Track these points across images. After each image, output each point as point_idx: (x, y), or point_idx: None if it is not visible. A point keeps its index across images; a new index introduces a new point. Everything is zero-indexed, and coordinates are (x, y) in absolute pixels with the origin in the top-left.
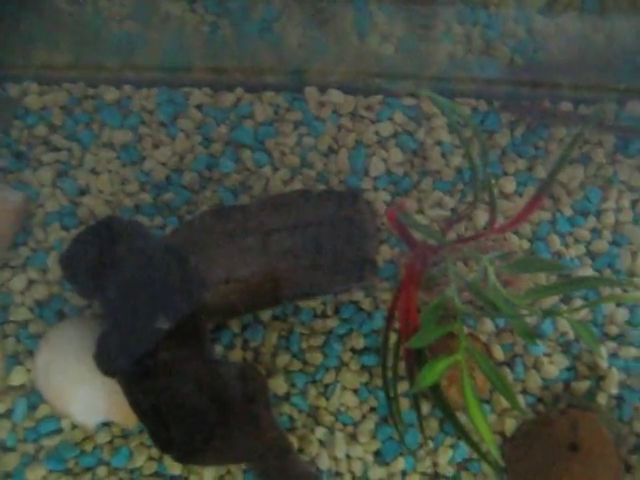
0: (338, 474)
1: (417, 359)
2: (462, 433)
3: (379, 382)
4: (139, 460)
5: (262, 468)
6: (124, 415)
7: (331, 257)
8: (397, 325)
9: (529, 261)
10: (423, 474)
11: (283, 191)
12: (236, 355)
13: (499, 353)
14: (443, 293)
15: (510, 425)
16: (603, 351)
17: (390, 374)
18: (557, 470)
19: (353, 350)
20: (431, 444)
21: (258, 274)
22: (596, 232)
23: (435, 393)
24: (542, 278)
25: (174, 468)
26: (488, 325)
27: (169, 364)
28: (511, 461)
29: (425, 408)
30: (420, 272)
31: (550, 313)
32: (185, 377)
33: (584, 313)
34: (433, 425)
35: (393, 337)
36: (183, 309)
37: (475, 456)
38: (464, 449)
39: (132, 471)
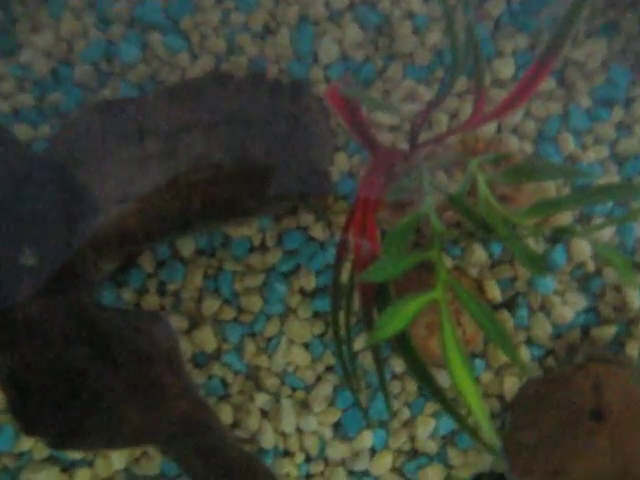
0: (287, 453)
1: (378, 300)
2: (442, 399)
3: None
4: (28, 441)
5: (177, 451)
6: None
7: (266, 165)
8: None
9: (533, 166)
10: (398, 451)
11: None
12: (151, 302)
13: (495, 292)
14: (415, 211)
15: (511, 386)
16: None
17: (344, 321)
18: (575, 440)
19: (302, 292)
20: (407, 412)
21: (164, 189)
22: (623, 128)
23: (402, 345)
24: (551, 190)
25: (74, 451)
26: (480, 255)
27: (37, 315)
28: (513, 434)
29: (399, 365)
30: (383, 183)
31: (562, 233)
32: (57, 332)
33: (608, 234)
34: (410, 388)
35: (348, 272)
36: (58, 240)
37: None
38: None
39: (20, 455)
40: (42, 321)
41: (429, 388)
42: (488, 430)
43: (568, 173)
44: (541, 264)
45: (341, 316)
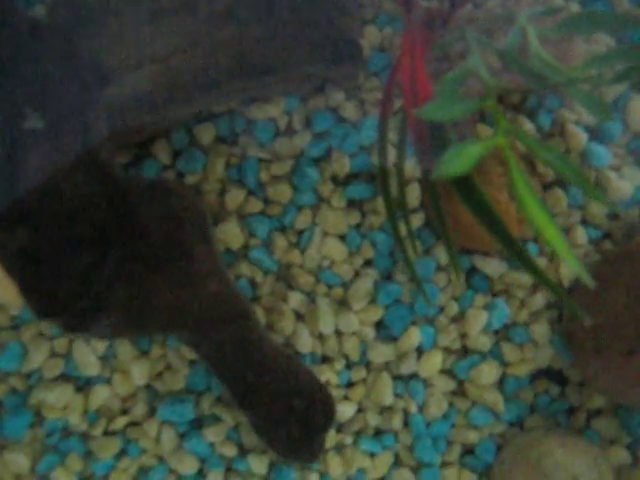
0: (326, 358)
1: (434, 145)
2: (511, 246)
3: (376, 221)
4: (37, 358)
5: (209, 345)
6: (5, 290)
7: (293, 23)
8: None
9: (586, 17)
10: (447, 350)
11: None
12: None
13: (544, 168)
14: (464, 64)
15: (567, 271)
16: None
17: (395, 197)
18: None
19: (335, 179)
20: (456, 307)
21: (184, 49)
22: None
23: (466, 189)
24: (606, 44)
25: (90, 367)
26: (528, 129)
27: (52, 182)
28: (574, 321)
29: (444, 256)
30: (426, 36)
31: (628, 76)
32: (75, 198)
33: None
34: (454, 278)
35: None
36: (71, 104)
37: (519, 319)
38: (503, 310)
39: (28, 375)
40: (57, 188)
41: (496, 233)
42: (574, 263)
43: (626, 22)
44: (607, 108)
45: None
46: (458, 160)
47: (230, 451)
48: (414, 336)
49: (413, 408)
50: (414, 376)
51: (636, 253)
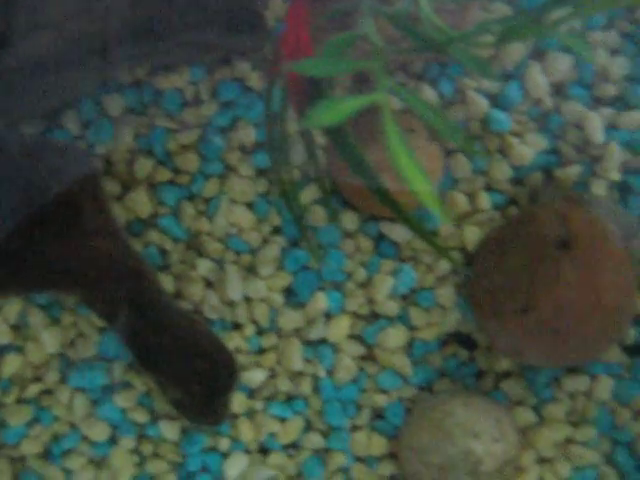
0: (236, 325)
1: (312, 98)
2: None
3: (282, 189)
4: None
5: (105, 303)
6: None
7: None
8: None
9: None
10: (355, 315)
11: None
12: None
13: None
14: (354, 29)
15: (472, 235)
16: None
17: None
18: (542, 275)
19: (242, 148)
20: (363, 273)
21: (78, 13)
22: None
23: (342, 143)
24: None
25: (1, 335)
26: (429, 95)
27: None
28: (477, 283)
29: (351, 222)
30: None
31: (511, 35)
32: None
33: (564, 68)
34: (365, 246)
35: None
36: None
37: (426, 283)
38: (410, 275)
39: None
40: None
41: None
42: (439, 212)
43: None
44: (489, 67)
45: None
46: (330, 112)
47: (142, 417)
48: (321, 301)
49: (322, 373)
50: (323, 341)
51: (534, 215)
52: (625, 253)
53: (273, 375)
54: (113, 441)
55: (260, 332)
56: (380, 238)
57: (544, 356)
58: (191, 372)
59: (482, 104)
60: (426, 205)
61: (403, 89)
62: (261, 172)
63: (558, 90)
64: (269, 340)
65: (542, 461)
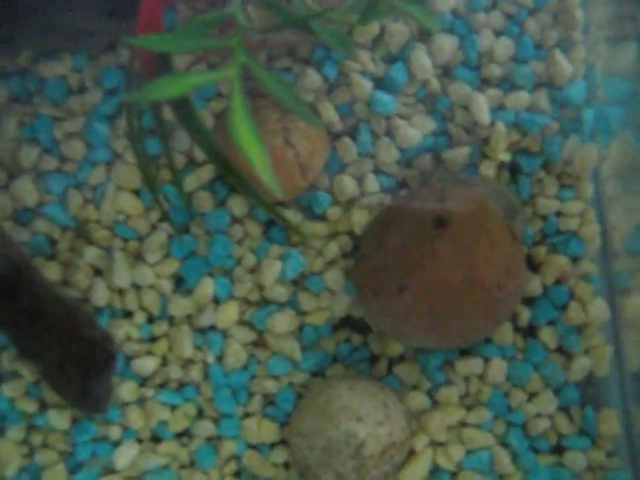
0: (125, 313)
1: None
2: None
3: (168, 175)
4: None
5: None
6: None
7: None
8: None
9: None
10: (245, 301)
11: None
12: None
13: (331, 115)
14: (221, 9)
15: (360, 219)
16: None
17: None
18: (419, 254)
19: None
20: (252, 258)
21: None
22: None
23: (184, 114)
24: None
25: None
26: (314, 79)
27: None
28: (361, 264)
29: (239, 207)
30: None
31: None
32: None
33: (449, 48)
34: (253, 231)
35: None
36: None
37: (315, 268)
38: (298, 259)
39: None
40: None
41: (211, 154)
42: (269, 179)
43: None
44: (350, 43)
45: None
46: (173, 86)
47: (30, 407)
48: (208, 287)
49: (211, 359)
50: (213, 328)
51: (415, 196)
52: (506, 232)
53: (165, 363)
54: (1, 432)
55: (151, 319)
56: (270, 223)
57: (423, 336)
58: (68, 358)
59: (366, 86)
60: (260, 176)
61: (257, 66)
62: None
63: (445, 72)
64: (160, 327)
65: (435, 445)
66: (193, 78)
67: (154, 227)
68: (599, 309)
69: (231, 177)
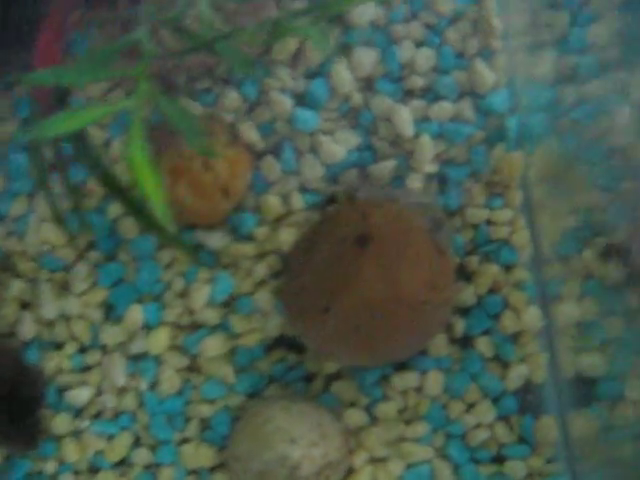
0: (56, 344)
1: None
2: (123, 197)
3: (92, 204)
4: None
5: None
6: None
7: None
8: None
9: None
10: (176, 326)
11: None
12: None
13: (252, 135)
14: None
15: (288, 237)
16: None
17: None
18: (343, 272)
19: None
20: (181, 282)
21: None
22: None
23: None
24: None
25: None
26: (233, 98)
27: None
28: (288, 284)
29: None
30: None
31: (281, 32)
32: None
33: (369, 62)
34: (179, 254)
35: None
36: None
37: (244, 289)
38: (227, 282)
39: None
40: None
41: (110, 187)
42: (162, 212)
43: None
44: (252, 65)
45: None
46: (68, 121)
47: None
48: (137, 314)
49: (144, 386)
50: (145, 355)
51: (339, 213)
52: (431, 246)
53: (99, 392)
54: None
55: (83, 349)
56: (198, 247)
57: (352, 355)
58: None
59: (286, 104)
60: (154, 210)
61: (161, 96)
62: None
63: (367, 85)
64: (92, 357)
65: (375, 461)
66: (90, 113)
67: (80, 256)
68: (533, 317)
69: (127, 206)
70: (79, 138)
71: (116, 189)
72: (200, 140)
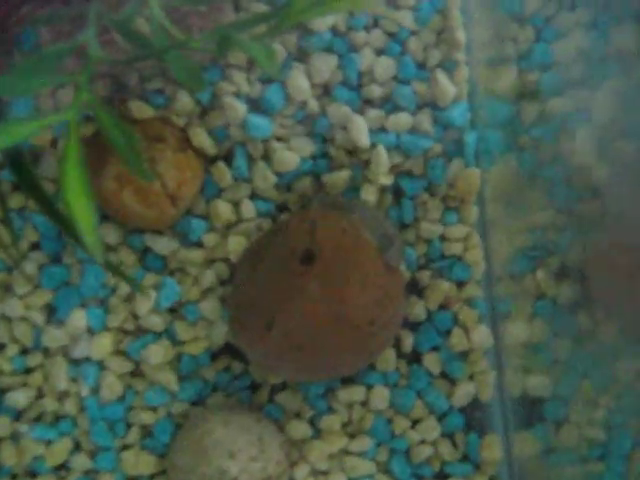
0: None
1: None
2: (54, 215)
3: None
4: None
5: None
6: None
7: None
8: None
9: None
10: (120, 331)
11: None
12: None
13: (204, 140)
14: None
15: (237, 246)
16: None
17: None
18: (287, 289)
19: None
20: (126, 287)
21: None
22: None
23: (15, 163)
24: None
25: None
26: (186, 102)
27: None
28: (234, 296)
29: (112, 235)
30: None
31: (228, 45)
32: None
33: (327, 69)
34: (128, 259)
35: None
36: None
37: (191, 296)
38: (173, 288)
39: None
40: None
41: (41, 204)
42: (91, 242)
43: None
44: (200, 78)
45: None
46: (5, 135)
47: None
48: (81, 318)
49: (85, 392)
50: (88, 359)
51: (286, 224)
52: (380, 263)
53: (40, 395)
54: None
55: (24, 351)
56: (145, 251)
57: (294, 372)
58: None
59: (240, 109)
60: (83, 237)
61: (101, 109)
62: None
63: (325, 92)
64: (34, 359)
65: (317, 474)
66: (25, 127)
67: (24, 256)
68: (482, 335)
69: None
70: (13, 152)
71: (49, 210)
72: (138, 162)
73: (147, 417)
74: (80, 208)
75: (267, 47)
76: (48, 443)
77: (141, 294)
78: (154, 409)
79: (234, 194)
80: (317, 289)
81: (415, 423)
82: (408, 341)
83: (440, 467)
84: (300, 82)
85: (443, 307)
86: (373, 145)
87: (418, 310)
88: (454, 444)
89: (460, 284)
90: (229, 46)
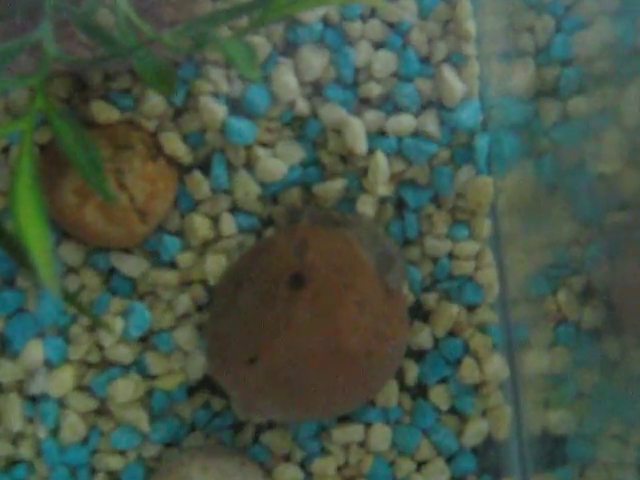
0: None
1: None
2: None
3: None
4: None
5: None
6: None
7: None
8: None
9: None
10: (82, 363)
11: None
12: None
13: (176, 146)
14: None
15: (216, 267)
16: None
17: None
18: (273, 317)
19: None
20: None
21: None
22: None
23: None
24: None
25: None
26: (156, 104)
27: None
28: (213, 323)
29: (72, 255)
30: None
31: (202, 45)
32: None
33: (319, 65)
34: (91, 283)
35: None
36: None
37: (164, 324)
38: (143, 315)
39: None
40: None
41: None
42: (46, 276)
43: None
44: (172, 80)
45: None
46: None
47: None
48: (37, 349)
49: (43, 433)
50: (45, 397)
51: (272, 243)
52: (378, 287)
53: None
54: None
55: None
56: (111, 272)
57: (281, 411)
58: None
59: (219, 111)
60: (38, 270)
61: (58, 118)
62: None
63: (315, 91)
64: None
65: None
66: None
67: None
68: (496, 366)
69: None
70: None
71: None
72: (99, 179)
73: (114, 462)
74: (34, 235)
75: (246, 46)
76: None
77: (104, 329)
78: (122, 452)
79: (212, 207)
80: (307, 318)
81: (420, 465)
82: (412, 373)
83: None
84: (287, 80)
85: (452, 334)
86: (371, 151)
87: (423, 337)
88: None
89: (471, 308)
90: (204, 44)
